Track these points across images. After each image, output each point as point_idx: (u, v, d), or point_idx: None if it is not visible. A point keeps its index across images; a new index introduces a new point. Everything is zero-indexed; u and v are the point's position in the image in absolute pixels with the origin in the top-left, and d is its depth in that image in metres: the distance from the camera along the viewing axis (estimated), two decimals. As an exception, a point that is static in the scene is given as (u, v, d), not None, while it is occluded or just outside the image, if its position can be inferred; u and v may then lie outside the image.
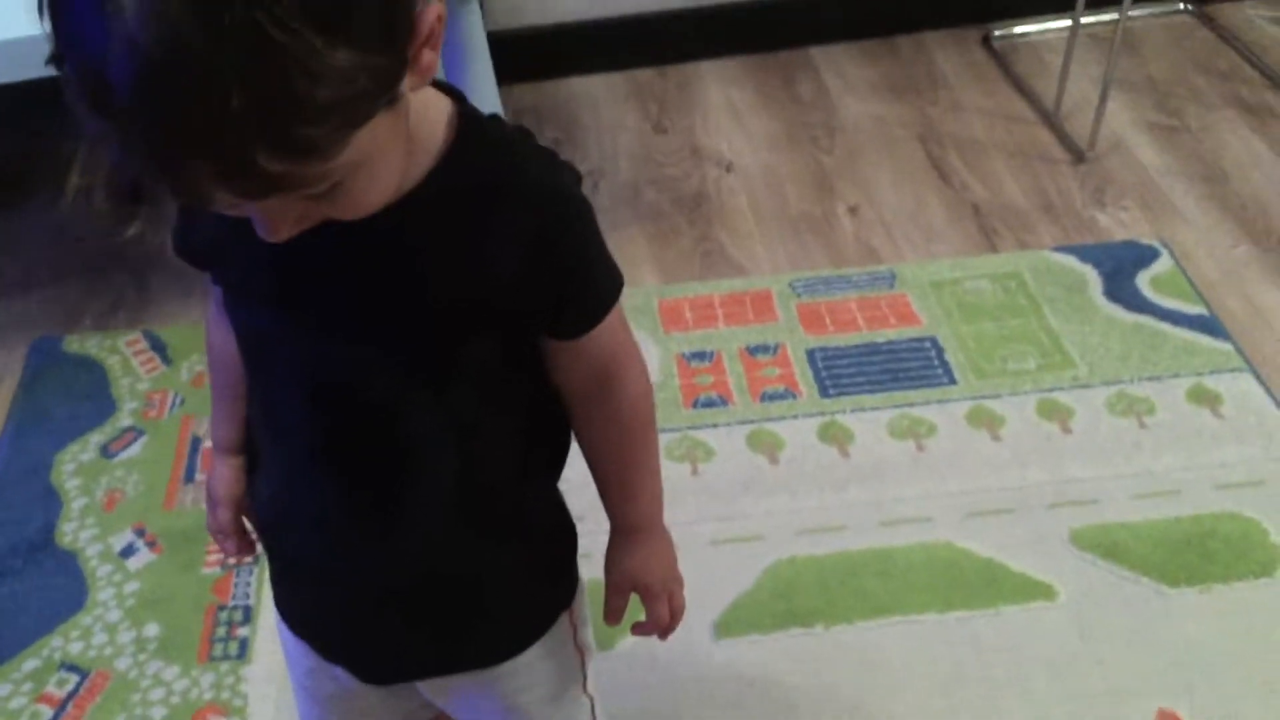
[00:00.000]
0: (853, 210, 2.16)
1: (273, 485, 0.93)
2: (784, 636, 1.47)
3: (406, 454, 0.84)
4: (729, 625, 1.49)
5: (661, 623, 1.01)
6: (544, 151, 0.82)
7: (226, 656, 1.49)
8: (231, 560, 1.56)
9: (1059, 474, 1.66)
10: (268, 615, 1.51)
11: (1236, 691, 1.39)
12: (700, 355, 1.87)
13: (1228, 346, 1.83)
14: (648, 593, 1.00)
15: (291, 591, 0.99)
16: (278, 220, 0.68)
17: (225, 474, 1.01)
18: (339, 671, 0.99)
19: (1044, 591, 1.51)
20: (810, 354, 1.86)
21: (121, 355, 1.92)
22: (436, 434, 0.84)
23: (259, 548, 1.02)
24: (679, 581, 1.01)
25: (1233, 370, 1.80)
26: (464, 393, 0.83)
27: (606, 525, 0.98)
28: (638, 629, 1.03)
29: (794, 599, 1.51)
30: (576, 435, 0.93)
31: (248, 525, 1.03)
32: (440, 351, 0.81)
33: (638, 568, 0.98)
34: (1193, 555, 1.54)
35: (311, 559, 0.93)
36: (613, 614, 1.00)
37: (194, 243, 0.85)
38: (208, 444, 1.73)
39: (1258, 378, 1.78)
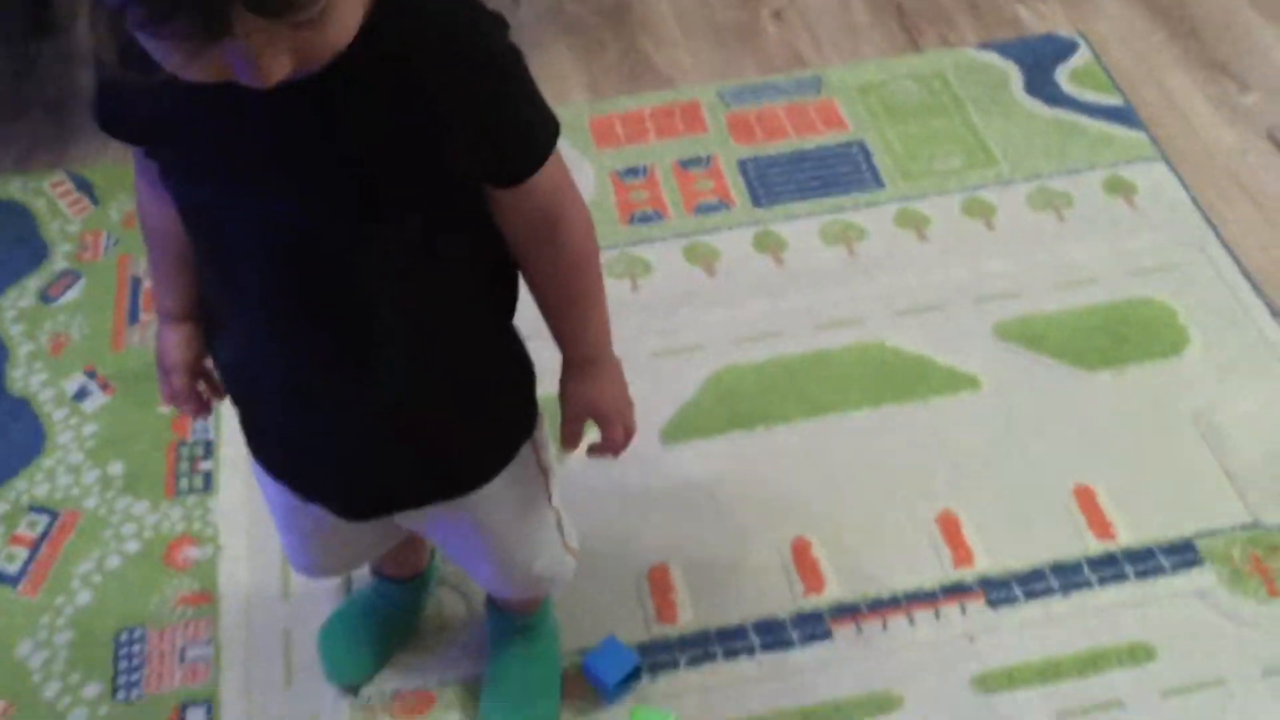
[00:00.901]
0: (777, 14, 2.15)
1: (236, 347, 0.96)
2: (727, 440, 1.55)
3: (367, 304, 0.87)
4: (675, 433, 1.56)
5: (616, 445, 1.07)
6: (470, 3, 0.83)
7: (193, 490, 1.53)
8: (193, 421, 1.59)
9: (983, 270, 1.73)
10: (229, 448, 1.56)
11: (1146, 464, 1.51)
12: (634, 171, 1.89)
13: (1142, 136, 1.89)
14: (603, 418, 1.05)
15: (264, 438, 1.03)
16: (268, 59, 0.69)
17: (175, 340, 1.02)
18: (317, 509, 1.04)
19: (969, 383, 1.60)
20: (742, 164, 1.89)
21: (47, 198, 1.89)
22: (394, 281, 0.87)
23: (216, 405, 1.06)
24: (630, 405, 1.07)
25: (1146, 160, 1.86)
26: (415, 241, 0.86)
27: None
28: (594, 451, 1.09)
29: (736, 404, 1.59)
30: (524, 276, 0.97)
31: (203, 387, 1.05)
32: (386, 204, 0.83)
33: (593, 397, 1.03)
34: (1108, 340, 1.63)
35: (281, 407, 0.97)
36: (570, 439, 1.06)
37: (124, 119, 0.85)
38: (148, 284, 1.73)
39: (1170, 166, 1.85)
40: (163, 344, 1.03)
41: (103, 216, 1.87)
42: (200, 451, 1.57)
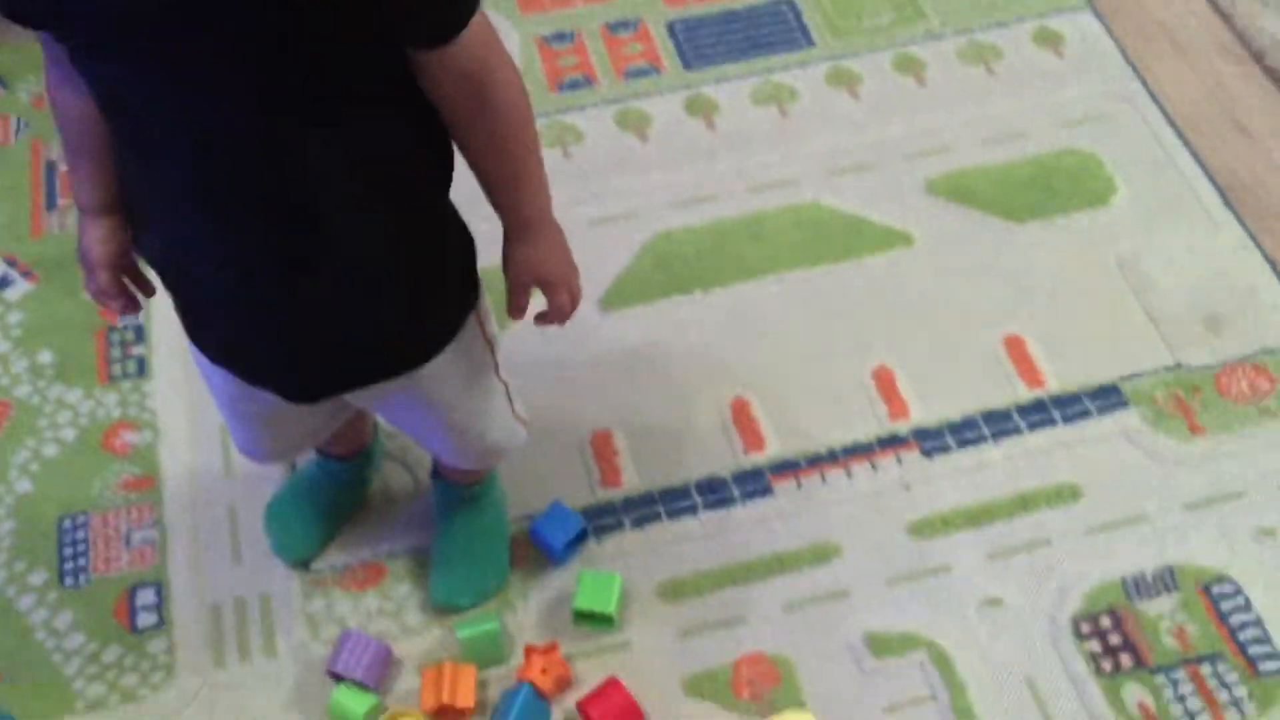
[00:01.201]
0: None
1: (164, 237, 0.93)
2: (665, 305, 1.56)
3: (301, 188, 0.85)
4: (614, 300, 1.56)
5: (564, 311, 1.07)
6: None
7: (126, 375, 1.51)
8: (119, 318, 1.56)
9: (914, 126, 1.73)
10: (160, 331, 1.54)
11: (1073, 311, 1.54)
12: (561, 36, 1.85)
13: (1071, -13, 1.89)
14: (548, 284, 1.04)
15: (203, 325, 1.01)
16: None
17: (96, 236, 0.98)
18: (264, 394, 1.03)
19: (903, 239, 1.61)
20: (670, 26, 1.85)
21: (-51, 82, 1.82)
22: (327, 162, 0.85)
23: (144, 301, 1.03)
24: (575, 270, 1.06)
25: (1074, 10, 1.86)
26: (345, 116, 0.83)
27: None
28: (540, 319, 1.08)
29: (673, 269, 1.59)
30: (460, 146, 0.94)
31: (129, 281, 1.02)
32: (308, 73, 0.80)
33: (537, 263, 1.02)
34: (1037, 192, 1.65)
35: (221, 297, 0.95)
36: (517, 309, 1.05)
37: (25, 2, 0.80)
38: (64, 168, 1.68)
39: (1096, 14, 1.85)
40: (84, 240, 0.99)
41: (11, 101, 1.79)
42: (131, 337, 1.55)
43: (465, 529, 1.32)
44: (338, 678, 1.26)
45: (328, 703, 1.24)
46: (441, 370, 1.05)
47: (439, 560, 1.33)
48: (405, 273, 0.95)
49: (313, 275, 0.90)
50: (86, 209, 0.98)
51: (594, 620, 1.29)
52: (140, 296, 1.04)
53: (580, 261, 1.06)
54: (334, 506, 1.37)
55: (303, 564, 1.35)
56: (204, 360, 1.05)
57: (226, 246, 0.89)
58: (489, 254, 1.03)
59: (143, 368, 1.52)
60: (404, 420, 1.17)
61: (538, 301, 1.05)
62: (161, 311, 1.52)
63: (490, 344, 1.10)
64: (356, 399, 1.07)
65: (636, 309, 1.56)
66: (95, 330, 1.55)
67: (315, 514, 1.36)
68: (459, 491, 1.32)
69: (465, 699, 1.23)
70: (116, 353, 1.53)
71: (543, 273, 1.03)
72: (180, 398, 1.49)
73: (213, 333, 1.01)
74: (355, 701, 1.23)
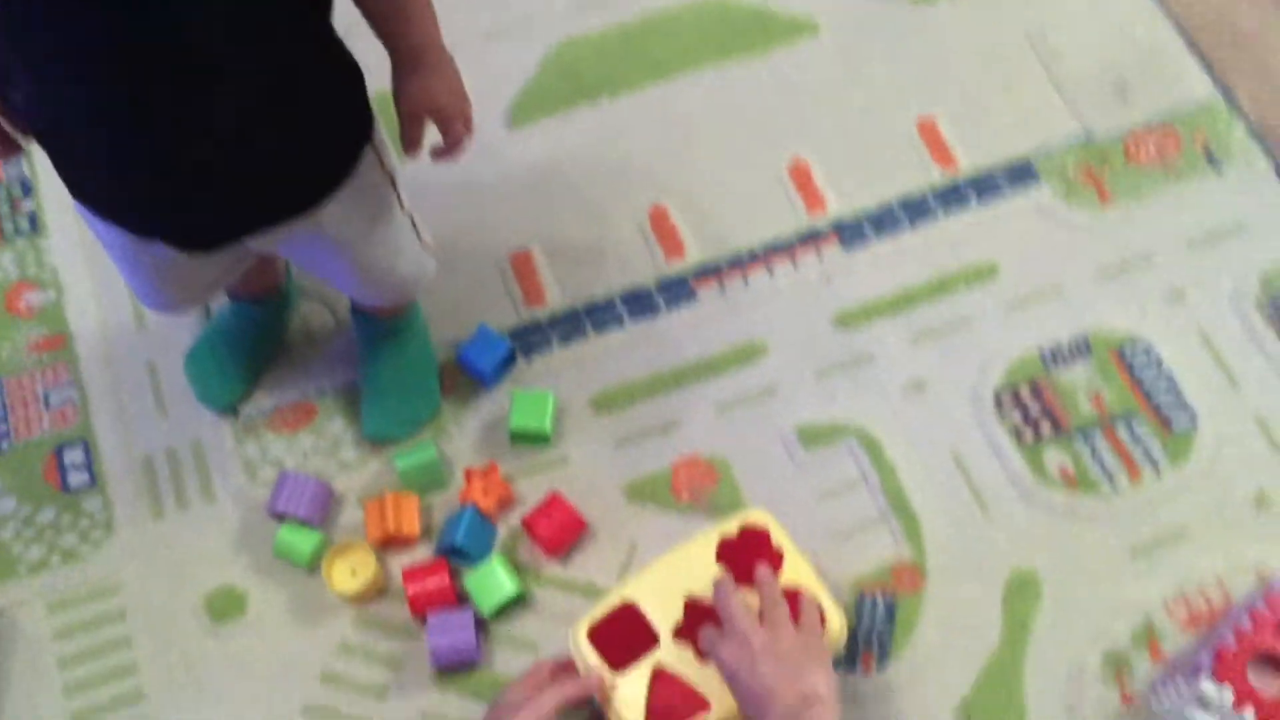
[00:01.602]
0: None
1: (32, 91, 0.87)
2: (573, 116, 1.52)
3: (176, 28, 0.79)
4: (519, 115, 1.52)
5: (459, 142, 1.04)
6: None
7: (20, 233, 1.45)
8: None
9: (814, -93, 1.67)
10: (49, 183, 1.47)
11: (984, 90, 1.53)
12: None
13: None
14: (442, 115, 1.01)
15: (85, 178, 0.96)
16: None
17: None
18: (158, 246, 0.99)
19: (809, 28, 1.57)
20: None
21: None
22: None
23: (25, 141, 0.97)
24: (468, 100, 1.03)
25: None
26: None
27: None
28: (437, 155, 1.06)
29: (579, 76, 1.54)
30: None
31: (5, 126, 0.95)
32: None
33: (429, 93, 0.99)
34: (942, -31, 1.62)
35: (101, 146, 0.89)
36: (412, 143, 1.02)
37: None
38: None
39: None
40: None
41: None
42: (19, 191, 1.48)
43: (391, 361, 1.31)
44: (280, 517, 1.26)
45: (273, 542, 1.25)
46: (341, 208, 1.01)
47: (368, 394, 1.32)
48: (291, 104, 0.91)
49: (196, 111, 0.86)
50: None
51: (530, 439, 1.31)
52: (19, 139, 0.97)
53: (481, 79, 1.03)
54: (254, 350, 1.35)
55: (230, 410, 1.34)
56: (92, 217, 1.00)
57: (99, 99, 0.84)
58: (376, 80, 0.99)
59: (36, 224, 1.46)
60: (310, 262, 1.14)
61: (432, 134, 1.02)
62: (46, 162, 1.45)
63: (390, 176, 1.06)
64: (258, 244, 1.04)
65: (544, 122, 1.52)
66: (-22, 189, 1.48)
67: (235, 360, 1.34)
68: (380, 325, 1.30)
69: (409, 527, 1.25)
70: (5, 209, 1.46)
71: (435, 103, 1.00)
72: (79, 252, 1.43)
73: (94, 188, 0.96)
74: (300, 539, 1.24)
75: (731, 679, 1.03)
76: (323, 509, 1.27)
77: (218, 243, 1.01)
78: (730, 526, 1.18)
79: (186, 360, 1.35)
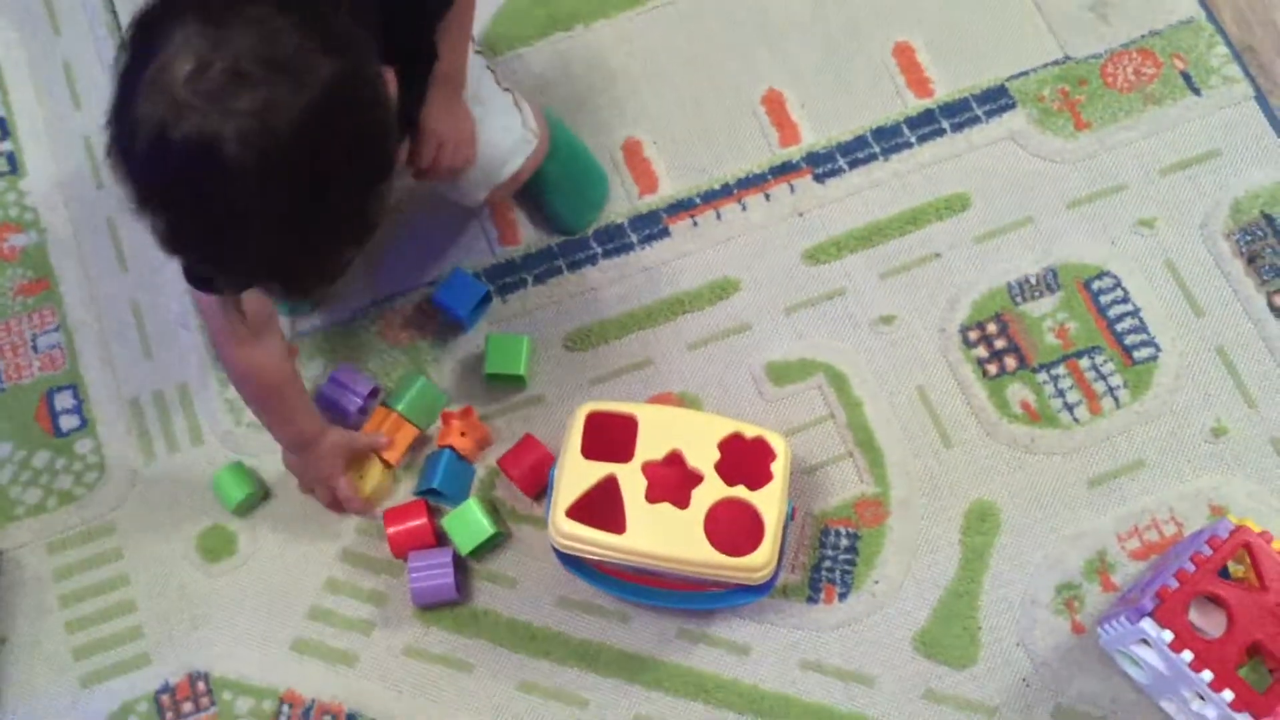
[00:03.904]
0: None
1: None
2: (546, 44, 1.50)
3: None
4: (492, 43, 1.51)
5: (454, 171, 1.20)
6: None
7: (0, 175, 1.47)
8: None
9: None
10: (26, 123, 1.47)
11: (962, 11, 1.51)
12: None
13: None
14: (457, 142, 1.15)
15: None
16: None
17: None
18: None
19: (786, -53, 1.55)
20: None
21: None
22: None
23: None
24: (474, 143, 1.18)
25: None
26: None
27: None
28: (423, 174, 1.19)
29: (551, 4, 1.52)
30: None
31: None
32: None
33: (452, 120, 1.14)
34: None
35: None
36: (423, 160, 1.15)
37: None
38: None
39: None
40: None
41: None
42: (-6, 131, 1.48)
43: (556, 157, 1.37)
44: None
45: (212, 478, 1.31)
46: None
47: (550, 195, 1.40)
48: None
49: None
50: None
51: (506, 380, 1.34)
52: None
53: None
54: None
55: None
56: None
57: None
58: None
59: (14, 164, 1.46)
60: None
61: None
62: (22, 101, 1.45)
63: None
64: None
65: (517, 50, 1.50)
66: (-45, 128, 1.48)
67: None
68: None
69: (396, 451, 1.29)
70: (-17, 150, 1.47)
71: (455, 132, 1.12)
72: (60, 193, 1.44)
73: None
74: (234, 486, 1.29)
75: None
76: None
77: None
78: (750, 430, 1.21)
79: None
